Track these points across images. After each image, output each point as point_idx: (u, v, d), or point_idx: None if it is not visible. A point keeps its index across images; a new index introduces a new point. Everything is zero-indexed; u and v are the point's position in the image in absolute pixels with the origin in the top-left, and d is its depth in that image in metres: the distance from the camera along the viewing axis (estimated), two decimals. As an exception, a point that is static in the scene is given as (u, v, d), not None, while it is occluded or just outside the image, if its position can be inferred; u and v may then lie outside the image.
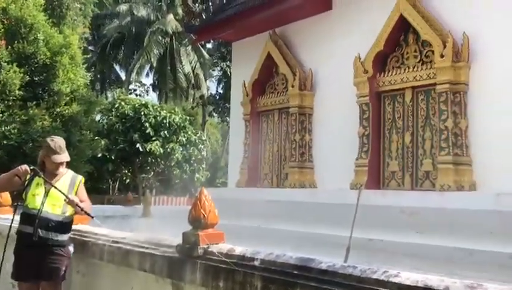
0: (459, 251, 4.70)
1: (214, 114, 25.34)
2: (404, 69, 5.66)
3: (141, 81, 25.88)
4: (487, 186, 4.92)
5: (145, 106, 15.08)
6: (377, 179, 5.87)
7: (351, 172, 6.00)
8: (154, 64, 22.79)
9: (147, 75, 24.93)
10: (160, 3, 23.47)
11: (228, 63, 20.89)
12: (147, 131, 14.38)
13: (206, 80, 24.05)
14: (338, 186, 6.11)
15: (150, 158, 14.81)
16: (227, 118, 20.07)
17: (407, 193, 5.41)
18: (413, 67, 5.58)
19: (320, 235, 5.88)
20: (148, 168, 15.63)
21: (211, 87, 26.12)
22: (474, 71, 5.15)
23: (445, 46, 5.16)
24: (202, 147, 15.90)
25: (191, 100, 25.43)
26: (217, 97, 23.89)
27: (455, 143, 5.11)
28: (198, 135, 16.00)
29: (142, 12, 22.47)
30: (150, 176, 16.26)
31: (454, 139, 5.11)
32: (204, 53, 23.77)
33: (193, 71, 23.22)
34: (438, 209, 4.97)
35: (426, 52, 5.53)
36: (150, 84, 26.08)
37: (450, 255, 4.76)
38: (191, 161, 15.35)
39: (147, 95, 26.19)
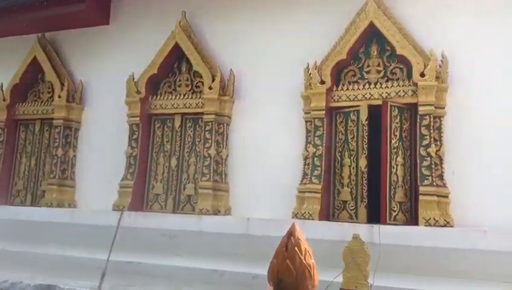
0: (213, 273, 4.99)
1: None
2: (176, 96, 5.85)
3: None
4: (240, 211, 5.38)
5: None
6: (141, 201, 5.85)
7: (115, 193, 5.85)
8: None
9: None
10: None
11: (-13, 60, 18.36)
12: None
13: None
14: (100, 207, 5.88)
15: None
16: (-21, 122, 17.44)
17: (168, 215, 5.52)
18: (184, 95, 5.81)
19: (78, 259, 5.55)
20: None
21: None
22: (236, 106, 5.64)
23: (213, 80, 5.54)
24: None
25: None
26: (-31, 98, 20.63)
27: (216, 170, 5.47)
28: None
29: None
30: None
31: (215, 166, 5.46)
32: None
33: None
34: (196, 233, 5.21)
35: (197, 83, 5.83)
36: None
37: (205, 276, 5.01)
38: None
39: None
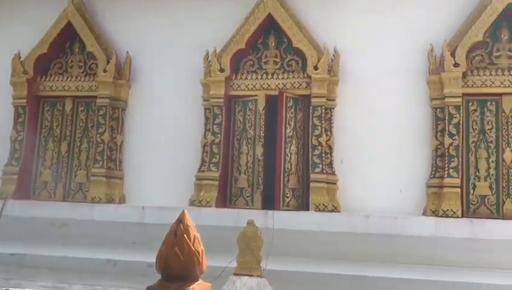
0: (106, 262, 4.85)
1: None
2: (67, 77, 5.54)
3: None
4: (135, 199, 5.26)
5: None
6: (27, 189, 5.48)
7: (-3, 180, 5.42)
8: None
9: None
10: None
11: None
12: None
13: None
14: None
15: None
16: None
17: (58, 204, 5.26)
18: (77, 77, 5.52)
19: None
20: None
21: None
22: (133, 90, 5.47)
23: (108, 62, 5.32)
24: None
25: None
26: None
27: (110, 157, 5.27)
28: None
29: None
30: None
31: (109, 153, 5.27)
32: None
33: None
34: (87, 222, 5.01)
35: (91, 65, 5.56)
36: None
37: (97, 266, 4.86)
38: None
39: None
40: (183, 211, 1.69)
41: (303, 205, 4.88)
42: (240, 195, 5.05)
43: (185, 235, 1.60)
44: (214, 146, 5.03)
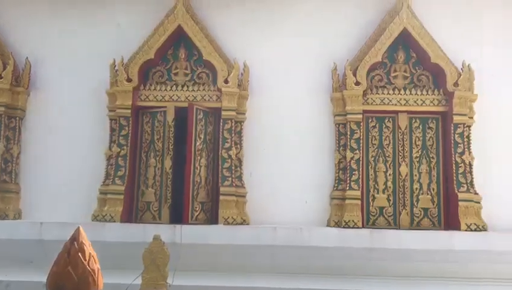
0: (-4, 284, 4.49)
1: None
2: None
3: None
4: (33, 215, 4.93)
5: None
6: None
7: None
8: None
9: None
10: None
11: None
12: None
13: None
14: None
15: None
16: None
17: None
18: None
19: None
20: None
21: None
22: (32, 98, 5.14)
23: (5, 68, 4.96)
24: None
25: None
26: None
27: (4, 169, 4.91)
28: None
29: None
30: None
31: (4, 164, 4.90)
32: None
33: None
34: (-24, 241, 4.60)
35: (-16, 69, 5.14)
36: None
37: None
38: None
39: None
40: (78, 227, 1.60)
41: (212, 219, 4.85)
42: (147, 209, 4.91)
43: (79, 253, 1.51)
44: (119, 158, 4.86)
